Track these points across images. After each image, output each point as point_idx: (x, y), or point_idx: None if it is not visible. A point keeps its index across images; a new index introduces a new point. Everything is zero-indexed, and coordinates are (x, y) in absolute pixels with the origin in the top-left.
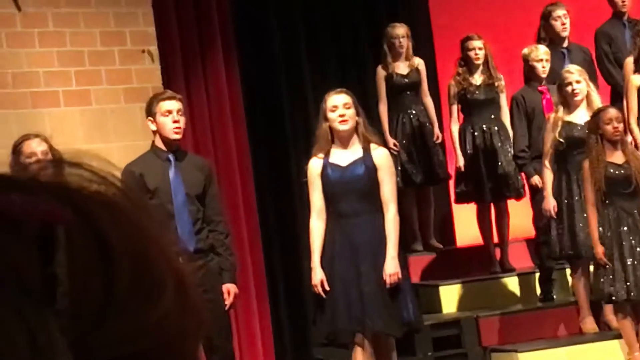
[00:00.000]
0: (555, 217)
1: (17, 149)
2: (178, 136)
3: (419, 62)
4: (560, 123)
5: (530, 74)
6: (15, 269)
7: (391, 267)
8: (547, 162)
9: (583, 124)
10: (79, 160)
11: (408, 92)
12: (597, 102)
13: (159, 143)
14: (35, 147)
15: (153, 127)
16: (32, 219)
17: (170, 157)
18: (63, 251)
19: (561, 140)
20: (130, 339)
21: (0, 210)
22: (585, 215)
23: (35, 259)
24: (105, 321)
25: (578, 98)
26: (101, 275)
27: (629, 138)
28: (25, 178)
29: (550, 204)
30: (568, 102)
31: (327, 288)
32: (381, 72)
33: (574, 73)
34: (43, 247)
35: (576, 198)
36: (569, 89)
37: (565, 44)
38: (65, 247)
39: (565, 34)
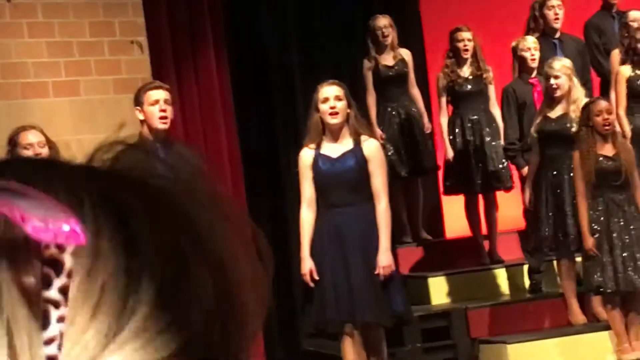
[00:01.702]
0: (531, 209)
1: (13, 140)
2: (164, 126)
3: (405, 52)
4: (539, 117)
5: (520, 65)
6: (19, 289)
7: (384, 260)
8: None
9: (556, 117)
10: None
11: (395, 84)
12: (577, 95)
13: (147, 133)
14: (32, 139)
15: (141, 117)
16: (41, 239)
17: (158, 147)
18: (66, 275)
19: (534, 134)
20: None
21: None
22: (549, 211)
23: (37, 281)
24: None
25: (556, 94)
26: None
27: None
28: (46, 162)
29: (526, 197)
30: (550, 95)
31: (317, 278)
32: (367, 64)
33: (554, 68)
34: (49, 267)
35: (542, 188)
36: (548, 83)
37: (557, 35)
38: (71, 270)
39: (557, 25)
